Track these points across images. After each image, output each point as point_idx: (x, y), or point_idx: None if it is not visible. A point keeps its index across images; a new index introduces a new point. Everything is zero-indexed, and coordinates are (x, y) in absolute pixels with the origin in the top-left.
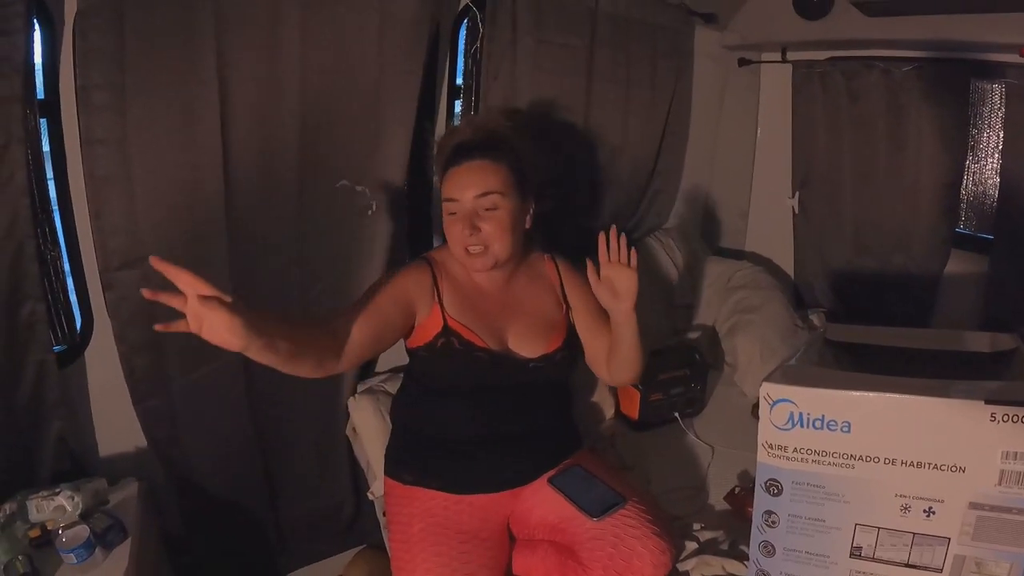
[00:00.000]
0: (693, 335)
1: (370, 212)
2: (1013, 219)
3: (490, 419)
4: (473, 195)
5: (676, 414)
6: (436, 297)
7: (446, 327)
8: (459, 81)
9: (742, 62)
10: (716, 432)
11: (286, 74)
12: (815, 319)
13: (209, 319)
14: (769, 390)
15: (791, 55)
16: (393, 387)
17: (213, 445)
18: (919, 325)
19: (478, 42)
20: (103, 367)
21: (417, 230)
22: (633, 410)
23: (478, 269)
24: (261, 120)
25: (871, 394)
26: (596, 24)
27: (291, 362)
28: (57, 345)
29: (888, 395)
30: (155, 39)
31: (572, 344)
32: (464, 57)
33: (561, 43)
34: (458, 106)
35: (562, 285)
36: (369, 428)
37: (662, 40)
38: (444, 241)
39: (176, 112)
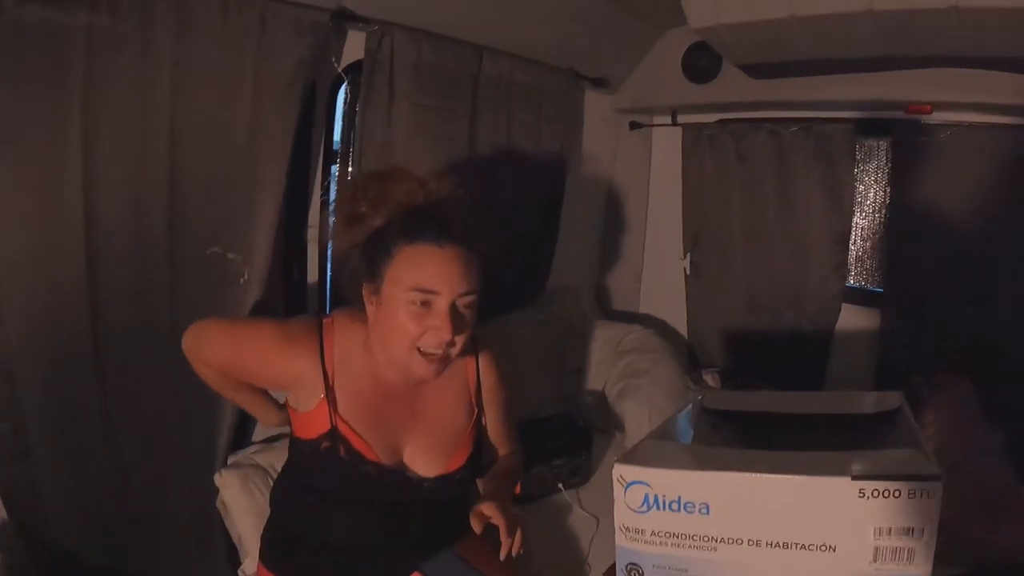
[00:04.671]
0: (583, 400)
1: (242, 281)
2: (901, 272)
3: (373, 531)
4: (460, 291)
5: (560, 485)
6: (325, 390)
7: (334, 430)
8: (336, 145)
9: (633, 125)
10: (604, 502)
11: (155, 138)
12: (709, 379)
13: None
14: (622, 471)
15: (681, 118)
16: (265, 460)
17: (79, 517)
18: (814, 381)
19: (356, 105)
20: None
21: (292, 299)
22: None
23: (423, 375)
24: (128, 185)
25: (727, 474)
26: (478, 88)
27: None
28: None
29: (746, 474)
30: (24, 101)
31: (477, 458)
32: (342, 120)
33: (441, 107)
34: (335, 170)
35: (479, 386)
36: (237, 505)
37: (548, 104)
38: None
39: (40, 178)
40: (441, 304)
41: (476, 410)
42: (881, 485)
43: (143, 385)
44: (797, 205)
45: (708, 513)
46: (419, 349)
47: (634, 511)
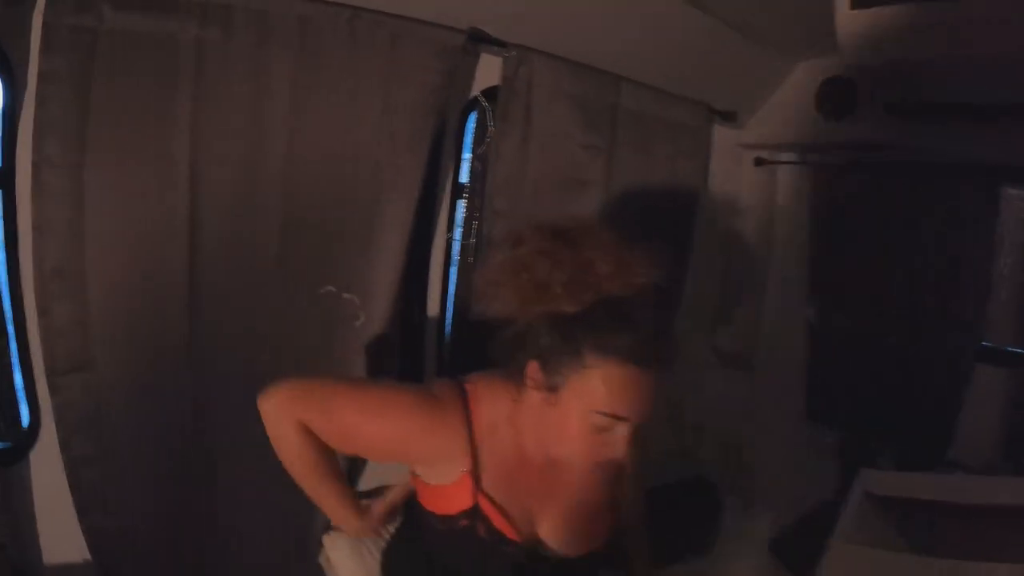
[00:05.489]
0: (705, 458)
1: (357, 323)
2: None
3: None
4: (648, 415)
5: (687, 555)
6: (470, 464)
7: (476, 508)
8: (463, 179)
9: (758, 162)
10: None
11: (268, 163)
12: (829, 438)
13: None
14: None
15: (811, 156)
16: None
17: (168, 566)
18: (940, 443)
19: (488, 138)
20: (51, 470)
21: (409, 347)
22: None
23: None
24: (236, 213)
25: None
26: (616, 121)
27: None
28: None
29: None
30: (124, 115)
31: (616, 534)
32: (471, 154)
33: (579, 142)
34: (460, 208)
35: None
36: (345, 568)
37: (682, 140)
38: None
39: (140, 201)
40: (625, 428)
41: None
42: None
43: (242, 428)
44: (935, 256)
45: None
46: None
47: None
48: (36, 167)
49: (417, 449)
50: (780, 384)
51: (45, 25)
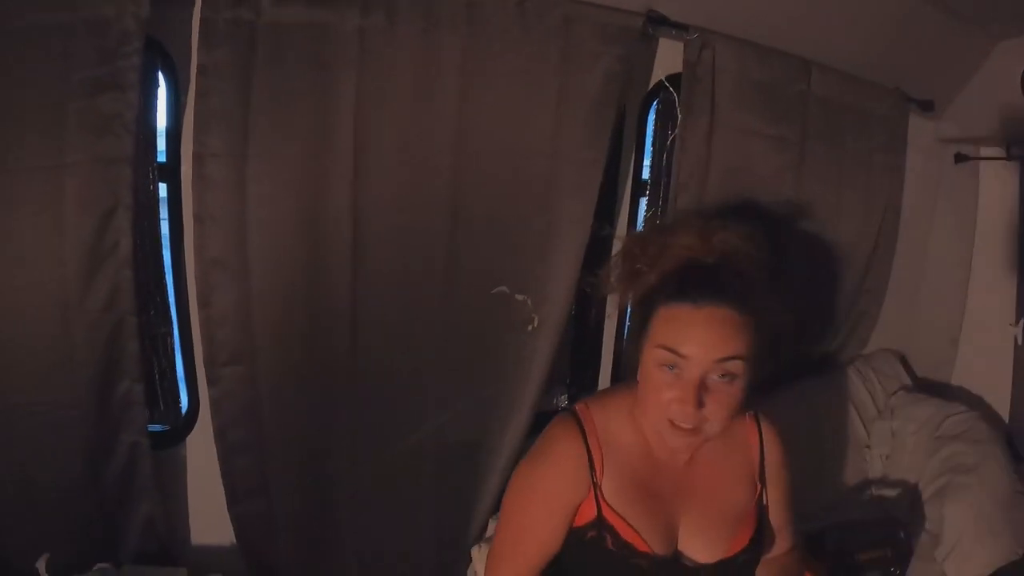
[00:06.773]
0: (889, 492)
1: (531, 328)
2: None
3: None
4: (715, 358)
5: None
6: (591, 478)
7: (600, 518)
8: (645, 175)
9: (959, 158)
10: None
11: (437, 154)
12: None
13: None
14: None
15: (1019, 151)
16: None
17: (314, 558)
18: None
19: (677, 130)
20: (205, 455)
21: (582, 354)
22: None
23: (677, 448)
24: (403, 205)
25: None
26: (807, 111)
27: None
28: (159, 424)
29: None
30: (286, 105)
31: (761, 539)
32: (652, 146)
33: (767, 134)
34: (643, 205)
35: (762, 459)
36: None
37: (878, 131)
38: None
39: (302, 192)
40: (690, 372)
41: (759, 486)
42: None
43: (398, 423)
44: None
45: None
46: (671, 420)
47: None
48: (197, 157)
49: (572, 494)
50: (978, 409)
51: (203, 20)
